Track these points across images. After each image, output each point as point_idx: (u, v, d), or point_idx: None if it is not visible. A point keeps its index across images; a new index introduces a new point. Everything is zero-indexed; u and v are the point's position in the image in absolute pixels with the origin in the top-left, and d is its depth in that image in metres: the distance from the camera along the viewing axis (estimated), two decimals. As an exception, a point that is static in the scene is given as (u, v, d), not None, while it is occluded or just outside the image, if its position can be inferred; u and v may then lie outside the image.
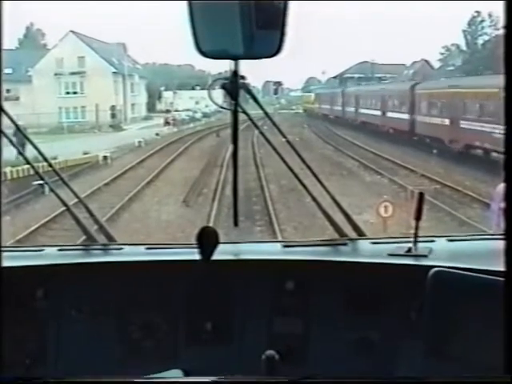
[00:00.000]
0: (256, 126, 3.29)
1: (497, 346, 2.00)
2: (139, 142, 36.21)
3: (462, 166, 23.94)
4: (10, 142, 3.02)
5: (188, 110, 63.83)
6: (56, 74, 57.37)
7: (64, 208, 3.20)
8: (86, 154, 29.06)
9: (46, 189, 16.94)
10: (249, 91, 3.05)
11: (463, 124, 25.88)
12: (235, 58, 2.50)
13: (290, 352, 2.84)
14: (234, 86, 2.77)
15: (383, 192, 18.51)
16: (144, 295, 3.01)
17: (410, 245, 3.05)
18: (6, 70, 52.50)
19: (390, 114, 36.33)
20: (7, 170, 21.66)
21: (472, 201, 18.07)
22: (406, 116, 32.85)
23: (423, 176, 22.31)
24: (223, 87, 2.83)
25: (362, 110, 42.56)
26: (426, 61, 72.58)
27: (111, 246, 3.25)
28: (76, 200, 3.27)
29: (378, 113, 38.42)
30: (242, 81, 2.84)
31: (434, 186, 20.24)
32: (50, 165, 3.31)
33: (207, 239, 2.79)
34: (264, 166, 24.45)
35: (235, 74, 2.73)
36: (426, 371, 2.65)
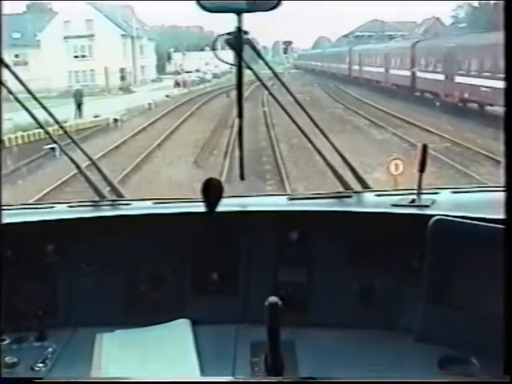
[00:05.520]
0: (262, 83, 3.30)
1: (497, 293, 2.03)
2: (149, 104, 36.11)
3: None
4: (22, 105, 3.04)
5: (198, 70, 63.48)
6: (64, 38, 57.08)
7: (76, 171, 3.24)
8: (96, 117, 29.05)
9: (58, 152, 17.09)
10: (253, 47, 3.04)
11: (457, 79, 27.80)
12: (237, 12, 2.51)
13: (293, 300, 2.89)
14: (237, 41, 2.78)
15: (390, 148, 18.50)
16: (151, 247, 3.05)
17: (414, 196, 3.08)
18: (14, 35, 52.39)
19: (392, 71, 37.71)
20: (18, 134, 21.73)
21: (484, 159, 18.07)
22: (407, 73, 34.39)
23: (426, 130, 23.07)
24: (227, 42, 2.84)
25: (367, 68, 43.91)
26: (438, 18, 71.62)
27: (119, 202, 3.29)
28: (88, 163, 3.31)
29: (382, 70, 39.72)
30: (245, 36, 2.85)
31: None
32: (62, 127, 3.33)
33: (212, 191, 2.82)
34: (274, 126, 24.38)
35: (239, 29, 2.73)
36: (428, 319, 2.68)
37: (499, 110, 21.11)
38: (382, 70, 39.72)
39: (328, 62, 59.83)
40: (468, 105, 26.99)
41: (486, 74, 24.78)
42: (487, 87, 24.33)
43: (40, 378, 2.36)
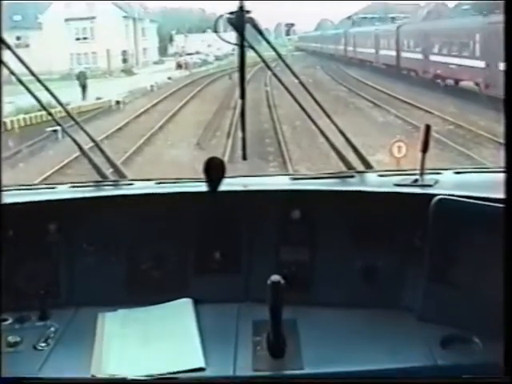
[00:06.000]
0: (265, 63, 3.28)
1: (499, 272, 2.03)
2: (151, 86, 36.00)
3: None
4: (25, 87, 3.03)
5: (198, 53, 63.22)
6: (66, 20, 56.78)
7: (78, 154, 3.24)
8: (98, 99, 28.97)
9: (60, 135, 17.05)
10: (255, 26, 3.04)
11: (432, 57, 31.99)
12: None
13: (295, 278, 2.89)
14: (240, 20, 2.77)
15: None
16: (154, 227, 3.05)
17: (417, 177, 3.07)
18: (15, 17, 52.10)
19: (381, 52, 41.47)
20: (20, 117, 21.70)
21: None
22: (393, 53, 38.22)
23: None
24: (230, 22, 2.83)
25: (360, 49, 47.43)
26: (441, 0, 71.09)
27: (122, 182, 3.29)
28: (90, 145, 3.31)
29: (373, 51, 43.26)
30: (247, 15, 2.84)
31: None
32: (66, 109, 3.33)
33: (214, 170, 2.82)
34: (277, 107, 24.32)
35: (241, 8, 2.72)
36: (430, 298, 2.69)
37: (468, 84, 26.79)
38: (372, 50, 43.27)
39: (326, 44, 61.84)
40: (446, 81, 30.29)
41: (453, 53, 28.59)
42: (454, 64, 28.23)
43: (40, 378, 2.36)
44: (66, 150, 14.29)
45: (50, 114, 3.35)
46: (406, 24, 40.43)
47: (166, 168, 15.49)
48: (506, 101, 1.98)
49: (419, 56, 33.70)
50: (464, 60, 26.89)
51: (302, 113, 3.21)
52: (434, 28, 32.74)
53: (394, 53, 38.05)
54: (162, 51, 70.03)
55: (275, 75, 3.24)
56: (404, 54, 36.75)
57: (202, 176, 2.91)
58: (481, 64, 24.89)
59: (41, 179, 14.01)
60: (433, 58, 31.75)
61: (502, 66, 18.93)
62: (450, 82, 29.40)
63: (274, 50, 3.26)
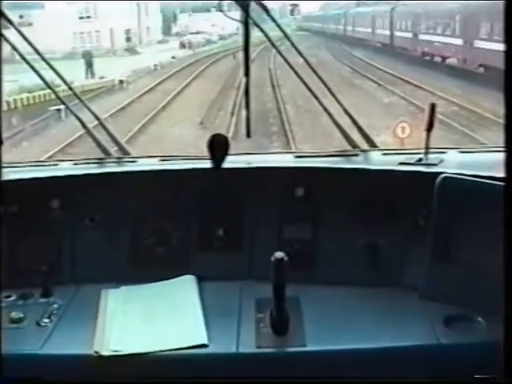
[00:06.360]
0: (270, 41, 3.27)
1: (501, 250, 2.02)
2: (155, 65, 35.89)
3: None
4: (29, 65, 3.03)
5: (198, 32, 62.97)
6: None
7: (81, 132, 3.25)
8: (101, 78, 28.92)
9: (63, 114, 17.03)
10: (261, 3, 3.03)
11: (420, 36, 35.15)
12: None
13: (299, 256, 2.88)
14: None
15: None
16: (157, 203, 3.05)
17: (421, 156, 3.06)
18: (18, -4, 51.85)
19: (377, 31, 44.63)
20: (23, 95, 21.68)
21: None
22: (387, 32, 41.39)
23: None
24: None
25: (359, 29, 50.43)
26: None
27: (125, 159, 3.28)
28: (94, 123, 3.30)
29: (369, 30, 46.48)
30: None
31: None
32: (70, 87, 3.32)
33: (218, 147, 2.82)
34: (280, 87, 24.26)
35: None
36: (433, 277, 2.68)
37: (452, 61, 29.71)
38: (369, 30, 46.47)
39: (328, 24, 64.31)
40: (433, 58, 33.38)
41: (438, 32, 31.97)
42: (438, 42, 31.69)
43: (40, 378, 2.37)
44: (70, 129, 14.29)
45: (54, 92, 3.34)
46: (400, 5, 42.46)
47: (170, 147, 15.46)
48: (506, 79, 1.98)
49: (409, 35, 36.89)
50: (447, 38, 30.21)
51: (305, 93, 3.21)
52: (423, 10, 34.98)
53: (388, 32, 41.23)
54: (166, 30, 69.77)
55: (281, 54, 3.22)
56: (397, 34, 39.88)
57: (206, 154, 2.91)
58: (459, 42, 28.38)
59: (44, 158, 14.00)
60: (421, 36, 34.99)
61: (476, 43, 25.94)
62: (438, 59, 32.35)
63: (280, 28, 3.24)
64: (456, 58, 29.01)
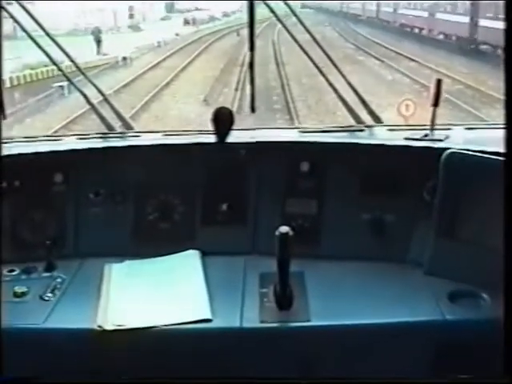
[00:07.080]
0: (276, 16, 3.24)
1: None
2: (158, 42, 35.72)
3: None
4: (33, 40, 3.01)
5: (197, 9, 62.60)
6: (72, -26, 56.14)
7: (84, 109, 3.25)
8: (105, 55, 28.81)
9: (66, 91, 16.95)
10: None
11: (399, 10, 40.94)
12: None
13: (303, 231, 2.88)
14: None
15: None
16: (161, 178, 3.04)
17: (427, 132, 3.04)
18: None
19: (383, 9, 46.96)
20: (26, 72, 21.63)
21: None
22: (391, 9, 44.14)
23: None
24: None
25: (352, 5, 54.82)
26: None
27: (129, 134, 3.27)
28: (99, 99, 3.29)
29: (375, 8, 48.51)
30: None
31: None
32: (75, 63, 3.32)
33: (222, 121, 2.80)
34: (284, 65, 24.18)
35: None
36: (438, 252, 2.67)
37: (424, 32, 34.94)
38: (374, 8, 48.38)
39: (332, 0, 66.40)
40: (412, 29, 38.21)
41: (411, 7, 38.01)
42: (411, 15, 37.47)
43: (40, 378, 2.37)
44: (73, 105, 14.26)
45: (58, 67, 3.32)
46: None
47: (173, 124, 15.44)
48: (507, 58, 1.96)
49: (390, 10, 42.95)
50: (417, 12, 36.54)
51: (308, 70, 3.20)
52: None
53: (391, 9, 44.09)
54: (170, 7, 69.35)
55: (287, 30, 3.19)
56: (383, 9, 45.50)
57: (210, 129, 2.89)
58: (425, 14, 34.75)
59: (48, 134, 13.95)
60: (400, 11, 40.84)
61: (438, 15, 32.24)
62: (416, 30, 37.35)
63: (287, 4, 3.22)
64: (424, 27, 34.99)
